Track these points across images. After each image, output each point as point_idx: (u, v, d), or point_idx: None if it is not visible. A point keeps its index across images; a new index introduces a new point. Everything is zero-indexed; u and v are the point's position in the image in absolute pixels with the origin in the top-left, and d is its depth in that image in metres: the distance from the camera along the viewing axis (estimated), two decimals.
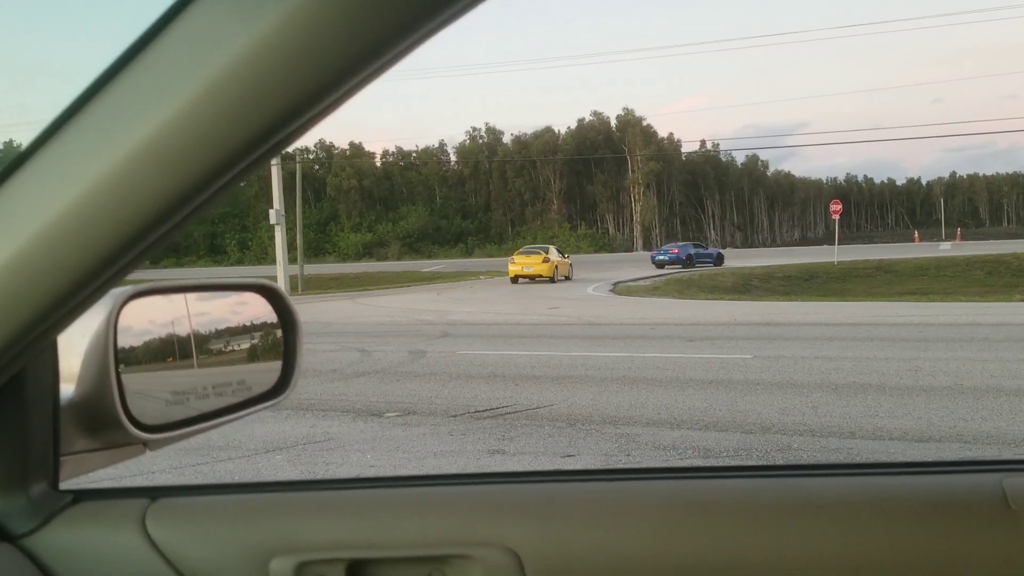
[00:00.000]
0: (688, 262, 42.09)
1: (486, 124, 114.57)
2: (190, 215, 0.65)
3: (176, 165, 0.61)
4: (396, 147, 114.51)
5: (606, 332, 14.00)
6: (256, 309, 1.14)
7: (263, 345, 1.15)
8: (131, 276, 0.73)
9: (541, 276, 31.25)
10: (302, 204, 36.55)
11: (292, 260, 34.04)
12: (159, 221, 0.63)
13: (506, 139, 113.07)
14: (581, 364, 9.94)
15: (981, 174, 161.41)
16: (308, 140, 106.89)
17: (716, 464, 1.20)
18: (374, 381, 9.20)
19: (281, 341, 1.15)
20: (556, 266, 31.77)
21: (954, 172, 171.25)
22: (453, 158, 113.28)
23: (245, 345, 1.14)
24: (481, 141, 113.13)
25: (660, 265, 42.59)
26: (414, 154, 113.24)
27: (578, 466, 5.37)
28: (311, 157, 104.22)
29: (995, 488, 0.95)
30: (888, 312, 16.34)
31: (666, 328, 14.27)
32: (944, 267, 34.64)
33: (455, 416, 7.09)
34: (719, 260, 44.64)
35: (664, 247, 49.11)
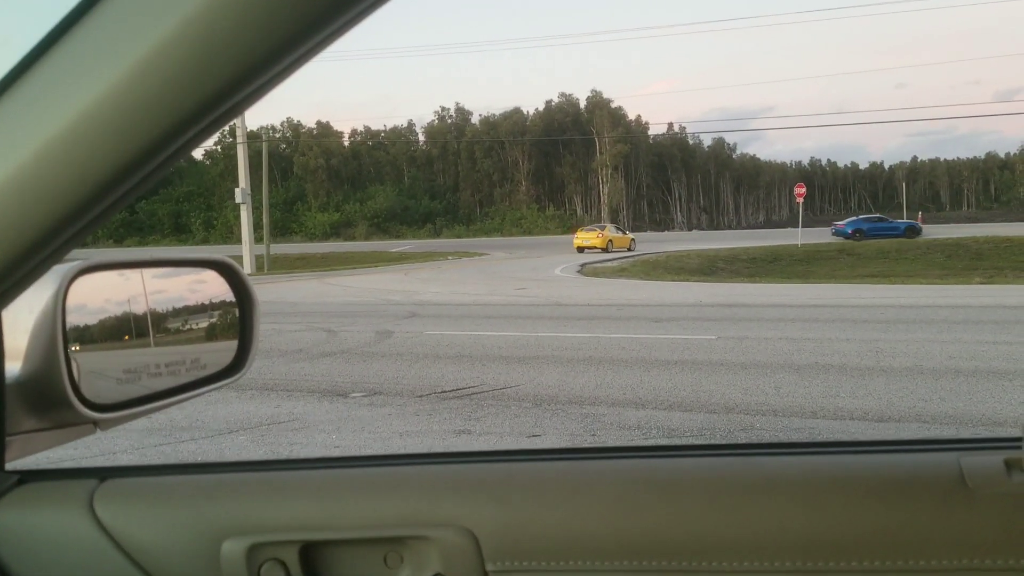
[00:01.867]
0: (859, 236, 41.89)
1: (455, 104, 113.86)
2: (136, 186, 0.63)
3: (122, 132, 0.58)
4: (364, 126, 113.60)
5: (573, 313, 14.05)
6: (214, 287, 1.11)
7: (221, 324, 1.13)
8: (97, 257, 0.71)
9: (595, 247, 38.28)
10: (268, 183, 36.06)
11: (258, 239, 33.67)
12: (103, 192, 0.61)
13: (475, 120, 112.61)
14: (548, 344, 9.96)
15: (942, 159, 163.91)
16: (275, 118, 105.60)
17: (676, 443, 1.19)
18: (340, 361, 9.14)
19: (237, 319, 1.13)
20: (611, 240, 39.31)
21: (916, 157, 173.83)
22: (422, 138, 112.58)
23: (203, 324, 1.11)
24: (450, 121, 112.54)
25: (843, 236, 42.87)
26: (382, 133, 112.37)
27: (539, 446, 5.40)
28: (278, 136, 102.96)
29: (952, 466, 0.96)
30: (850, 294, 16.58)
31: (632, 309, 14.35)
32: (905, 250, 35.21)
33: (421, 396, 7.08)
34: (911, 232, 43.15)
35: (849, 220, 48.84)
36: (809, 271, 29.14)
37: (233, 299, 1.12)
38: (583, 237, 39.93)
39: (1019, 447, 0.98)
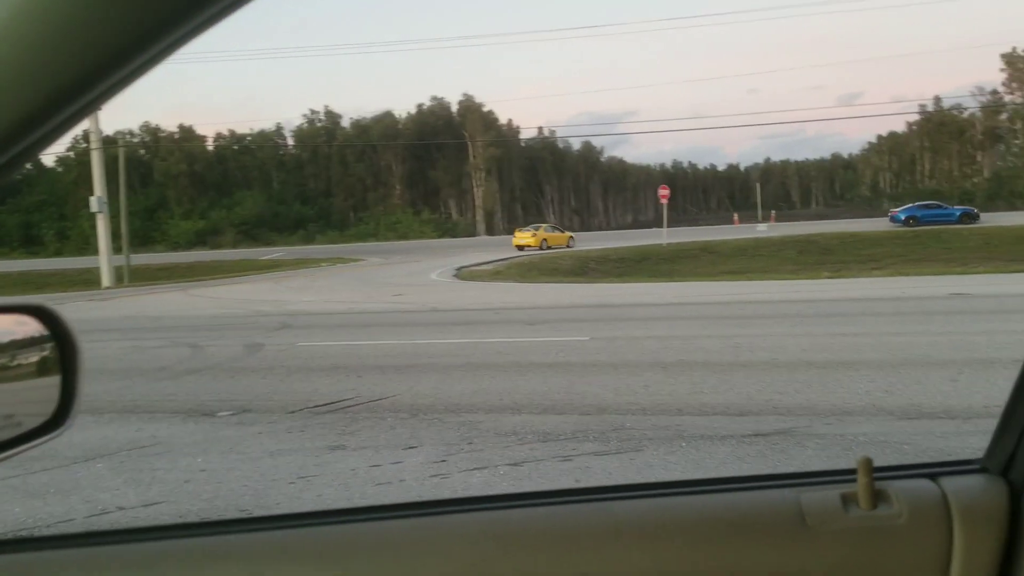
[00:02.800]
0: (914, 223, 42.52)
1: (325, 107, 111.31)
2: None
3: None
4: (229, 130, 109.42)
5: (449, 318, 14.07)
6: (30, 332, 1.00)
7: (38, 374, 1.02)
8: None
9: (531, 246, 40.98)
10: (126, 190, 34.31)
11: (117, 250, 32.00)
12: None
13: (345, 123, 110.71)
14: (424, 352, 9.95)
15: (792, 160, 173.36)
16: (132, 122, 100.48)
17: (520, 491, 1.23)
18: (206, 378, 8.82)
19: (59, 369, 1.01)
20: (545, 239, 42.22)
21: (768, 158, 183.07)
22: (291, 142, 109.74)
23: (18, 375, 1.01)
24: (319, 125, 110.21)
25: (902, 222, 43.54)
26: (249, 137, 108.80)
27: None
28: (135, 140, 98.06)
29: (793, 504, 1.00)
30: (712, 291, 17.33)
31: (508, 312, 14.51)
32: (761, 247, 37.05)
33: (293, 412, 6.93)
34: (967, 218, 43.40)
35: (904, 207, 48.67)
36: (674, 269, 30.22)
37: (52, 346, 1.01)
38: (520, 237, 43.38)
39: (855, 480, 1.04)
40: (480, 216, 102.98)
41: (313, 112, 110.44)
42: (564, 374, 8.08)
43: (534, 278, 25.38)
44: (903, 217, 44.58)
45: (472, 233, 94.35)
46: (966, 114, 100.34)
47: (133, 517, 4.44)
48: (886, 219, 48.44)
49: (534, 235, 42.64)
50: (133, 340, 12.08)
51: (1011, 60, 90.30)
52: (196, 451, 5.80)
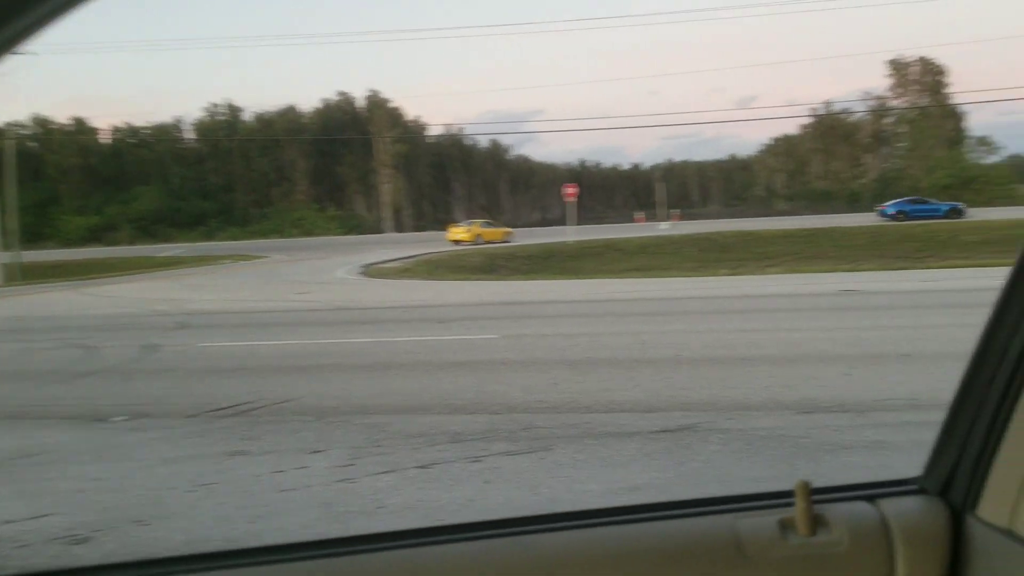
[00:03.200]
0: (903, 217, 43.41)
1: (226, 101, 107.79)
2: None
3: None
4: (126, 123, 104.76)
5: (356, 317, 13.87)
6: None
7: None
8: None
9: (464, 241, 42.08)
10: (15, 184, 32.55)
11: (5, 246, 30.36)
12: None
13: (247, 117, 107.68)
14: (330, 352, 9.77)
15: (693, 160, 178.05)
16: (20, 113, 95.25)
17: (443, 523, 1.19)
18: (100, 381, 8.44)
19: None
20: (479, 234, 43.54)
21: (670, 158, 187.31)
22: (190, 135, 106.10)
23: None
24: (221, 118, 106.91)
25: (890, 216, 44.40)
26: (147, 130, 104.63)
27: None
28: (24, 132, 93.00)
29: (729, 530, 0.98)
30: (617, 288, 17.61)
31: (416, 310, 14.40)
32: (663, 245, 37.94)
33: (192, 416, 6.69)
34: (953, 213, 43.74)
35: (892, 202, 49.04)
36: (580, 267, 30.61)
37: None
38: (455, 232, 44.98)
39: (791, 503, 1.01)
40: (387, 213, 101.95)
41: (214, 105, 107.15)
42: (474, 373, 8.07)
43: (442, 275, 25.28)
44: (892, 212, 45.85)
45: (379, 230, 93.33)
46: (854, 118, 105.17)
47: (21, 530, 4.20)
48: (782, 218, 50.16)
49: (468, 230, 43.96)
50: (22, 342, 11.48)
51: (896, 66, 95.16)
52: (89, 459, 5.53)
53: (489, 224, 48.26)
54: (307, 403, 7.00)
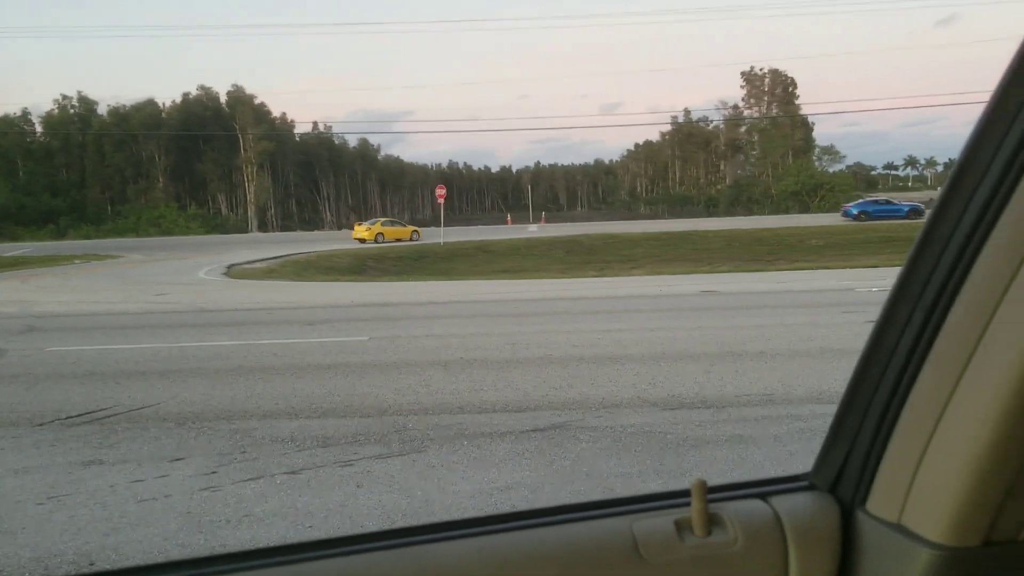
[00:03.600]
0: (865, 217, 44.16)
1: (78, 93, 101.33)
2: None
3: None
4: None
5: (219, 319, 13.36)
6: None
7: None
8: None
9: (366, 239, 43.26)
10: None
11: None
12: None
13: (102, 110, 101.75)
14: (192, 355, 9.37)
15: (560, 164, 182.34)
16: None
17: (317, 539, 1.16)
18: None
19: None
20: (381, 232, 44.28)
21: (538, 161, 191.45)
22: (39, 128, 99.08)
23: None
24: (73, 111, 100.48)
25: (853, 217, 45.07)
26: None
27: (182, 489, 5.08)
28: None
29: (626, 533, 0.98)
30: (487, 289, 17.75)
31: (283, 312, 14.02)
32: (532, 247, 38.53)
33: (42, 425, 6.27)
34: (914, 214, 44.19)
35: (856, 203, 49.11)
36: (451, 268, 30.66)
37: None
38: (358, 230, 45.60)
39: (688, 504, 1.03)
40: (252, 212, 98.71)
41: (65, 97, 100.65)
42: (344, 375, 7.94)
43: (310, 277, 24.73)
44: (855, 212, 47.31)
45: (244, 229, 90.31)
46: (711, 126, 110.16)
47: None
48: (645, 221, 51.85)
49: (369, 229, 44.66)
50: None
51: (749, 78, 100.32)
52: None
53: (392, 223, 49.09)
54: (167, 409, 6.70)
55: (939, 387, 0.92)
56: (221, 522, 4.20)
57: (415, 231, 46.88)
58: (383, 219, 50.36)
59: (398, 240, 43.92)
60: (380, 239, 43.47)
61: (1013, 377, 0.84)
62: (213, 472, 5.02)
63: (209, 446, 5.61)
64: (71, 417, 6.49)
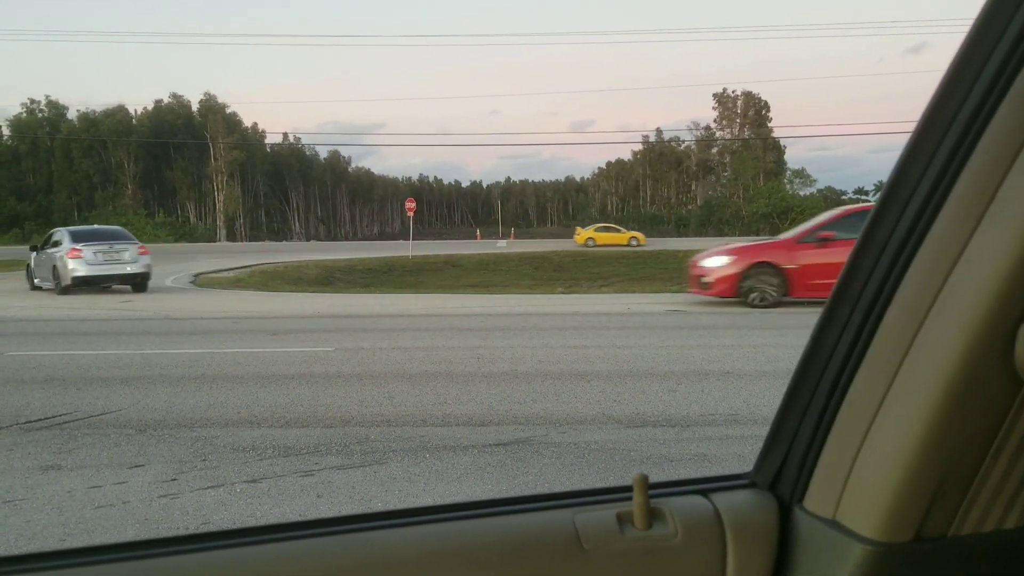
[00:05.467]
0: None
1: (47, 97, 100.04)
2: None
3: None
4: None
5: (184, 327, 13.23)
6: None
7: None
8: None
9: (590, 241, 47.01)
10: None
11: None
12: None
13: (71, 115, 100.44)
14: (155, 363, 9.28)
15: (530, 180, 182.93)
16: None
17: (261, 524, 1.15)
18: None
19: None
20: (592, 237, 46.18)
21: (509, 177, 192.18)
22: (6, 132, 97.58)
23: None
24: (41, 115, 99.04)
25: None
26: None
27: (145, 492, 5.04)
28: None
29: (568, 525, 1.00)
30: (455, 304, 17.75)
31: (249, 322, 13.92)
32: (501, 262, 38.58)
33: (0, 429, 6.18)
34: None
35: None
36: (420, 281, 30.62)
37: None
38: (581, 233, 46.59)
39: (630, 498, 1.04)
40: (221, 221, 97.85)
41: (33, 101, 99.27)
42: (307, 386, 7.91)
43: (278, 287, 24.55)
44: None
45: (213, 239, 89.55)
46: (683, 146, 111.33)
47: None
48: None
49: (581, 233, 46.90)
50: None
51: (721, 99, 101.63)
52: None
53: (607, 228, 49.91)
54: (128, 415, 6.63)
55: (874, 387, 0.95)
56: (180, 529, 4.17)
57: (634, 236, 46.95)
58: (597, 225, 51.22)
59: (612, 245, 43.25)
60: (591, 243, 43.36)
61: (943, 377, 0.86)
62: (173, 479, 4.98)
63: (169, 453, 5.56)
64: (30, 422, 6.40)
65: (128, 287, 20.75)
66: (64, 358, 9.67)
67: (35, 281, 21.72)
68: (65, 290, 19.61)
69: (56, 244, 20.32)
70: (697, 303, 16.20)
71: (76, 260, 19.23)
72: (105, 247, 19.73)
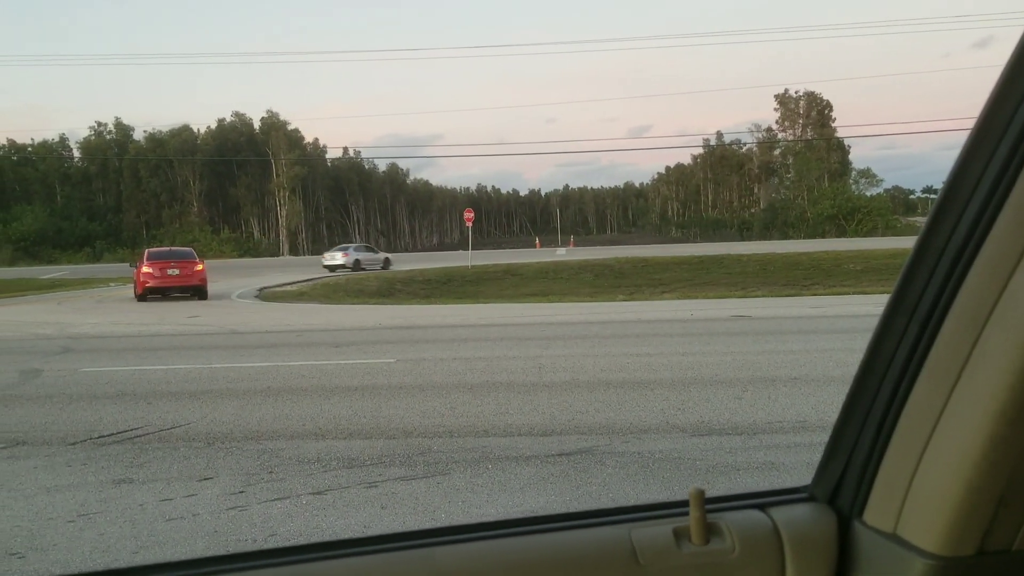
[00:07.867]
0: None
1: (115, 119, 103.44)
2: None
3: None
4: (8, 139, 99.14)
5: (250, 341, 13.49)
6: None
7: None
8: None
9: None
10: None
11: None
12: None
13: (138, 136, 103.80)
14: (222, 376, 9.47)
15: (589, 187, 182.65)
16: None
17: (328, 540, 1.15)
18: None
19: None
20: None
21: (567, 185, 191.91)
22: (77, 154, 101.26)
23: None
24: (109, 136, 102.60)
25: None
26: (30, 147, 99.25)
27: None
28: None
29: (624, 541, 1.00)
30: (515, 312, 17.75)
31: (312, 334, 14.13)
32: (561, 270, 38.47)
33: (74, 444, 6.36)
34: None
35: None
36: (479, 291, 30.71)
37: None
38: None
39: (686, 513, 1.03)
40: (284, 236, 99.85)
41: (100, 124, 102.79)
42: (370, 397, 7.97)
43: (340, 299, 24.91)
44: None
45: (276, 253, 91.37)
46: (744, 149, 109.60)
47: None
48: (676, 245, 51.60)
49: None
50: None
51: (783, 100, 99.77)
52: None
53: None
54: (197, 429, 6.76)
55: (934, 398, 0.93)
56: (248, 541, 4.22)
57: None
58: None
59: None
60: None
61: (1004, 386, 0.84)
62: (240, 492, 5.04)
63: (237, 466, 5.65)
64: (103, 436, 6.57)
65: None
66: (135, 373, 9.94)
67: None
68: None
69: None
70: (763, 307, 15.89)
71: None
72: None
